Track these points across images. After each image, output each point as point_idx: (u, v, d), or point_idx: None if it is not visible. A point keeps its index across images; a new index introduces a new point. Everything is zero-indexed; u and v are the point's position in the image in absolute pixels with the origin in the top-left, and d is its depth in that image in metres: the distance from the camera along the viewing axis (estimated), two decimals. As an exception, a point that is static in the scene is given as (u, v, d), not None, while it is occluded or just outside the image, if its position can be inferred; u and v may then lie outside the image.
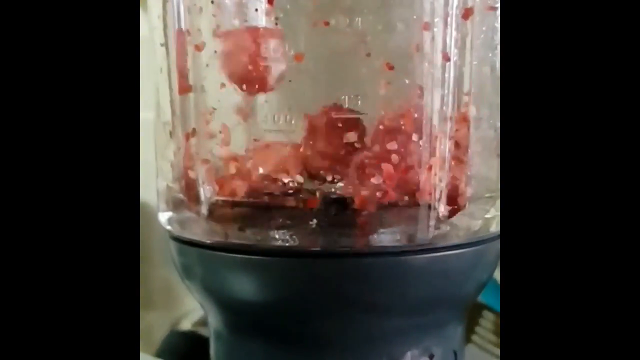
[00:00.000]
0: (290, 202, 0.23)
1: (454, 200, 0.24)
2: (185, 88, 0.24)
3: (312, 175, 0.23)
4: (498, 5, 0.24)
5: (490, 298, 0.45)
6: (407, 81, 0.23)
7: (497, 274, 0.28)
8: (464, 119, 0.24)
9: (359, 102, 0.22)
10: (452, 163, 0.24)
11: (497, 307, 0.45)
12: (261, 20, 0.23)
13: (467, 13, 0.23)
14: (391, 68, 0.22)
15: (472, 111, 0.24)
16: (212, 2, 0.23)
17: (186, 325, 0.49)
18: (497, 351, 0.44)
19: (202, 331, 0.46)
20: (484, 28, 0.24)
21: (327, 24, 0.22)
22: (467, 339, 0.45)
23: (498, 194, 0.25)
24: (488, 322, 0.46)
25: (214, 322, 0.26)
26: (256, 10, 0.23)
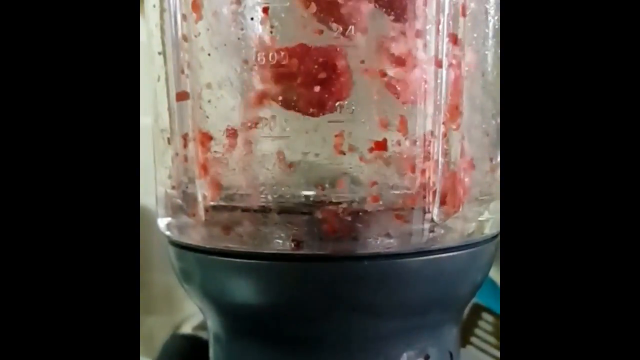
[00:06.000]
0: (287, 207, 0.23)
1: (447, 204, 0.24)
2: (182, 95, 0.25)
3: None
4: (491, 12, 0.25)
5: (490, 300, 0.45)
6: (400, 88, 0.23)
7: (496, 276, 0.29)
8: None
9: (353, 109, 0.23)
10: (446, 167, 0.24)
11: (497, 309, 0.46)
12: (257, 29, 0.23)
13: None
14: (384, 75, 0.23)
15: (464, 116, 0.24)
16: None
17: (187, 329, 0.49)
18: (497, 353, 0.45)
19: (203, 335, 0.46)
20: (475, 35, 0.24)
21: (321, 32, 0.22)
22: (467, 341, 0.45)
23: (491, 196, 0.26)
24: (487, 324, 0.46)
25: (213, 326, 0.27)
26: (252, 19, 0.23)
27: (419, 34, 0.23)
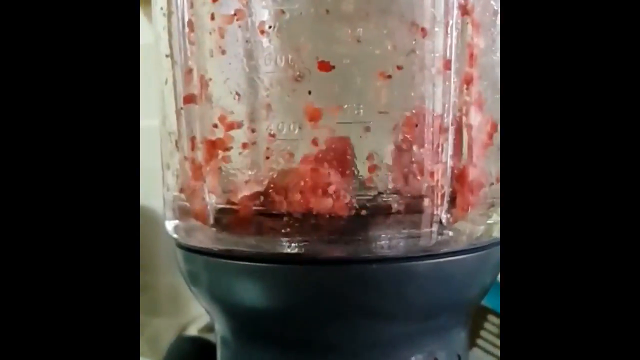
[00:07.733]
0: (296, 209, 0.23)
1: (456, 207, 0.24)
2: (190, 98, 0.25)
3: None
4: (498, 15, 0.25)
5: (495, 302, 0.45)
6: (408, 90, 0.23)
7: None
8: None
9: (361, 111, 0.23)
10: (454, 170, 0.24)
11: (502, 310, 0.45)
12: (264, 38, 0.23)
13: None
14: (390, 77, 0.23)
15: (473, 118, 0.24)
16: (213, 18, 0.24)
17: (192, 331, 0.49)
18: (502, 355, 0.44)
19: (208, 337, 0.46)
20: (483, 37, 0.24)
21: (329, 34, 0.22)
22: (472, 343, 0.45)
23: (499, 199, 0.26)
24: (493, 326, 0.46)
25: (221, 329, 0.27)
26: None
27: (428, 36, 0.23)
